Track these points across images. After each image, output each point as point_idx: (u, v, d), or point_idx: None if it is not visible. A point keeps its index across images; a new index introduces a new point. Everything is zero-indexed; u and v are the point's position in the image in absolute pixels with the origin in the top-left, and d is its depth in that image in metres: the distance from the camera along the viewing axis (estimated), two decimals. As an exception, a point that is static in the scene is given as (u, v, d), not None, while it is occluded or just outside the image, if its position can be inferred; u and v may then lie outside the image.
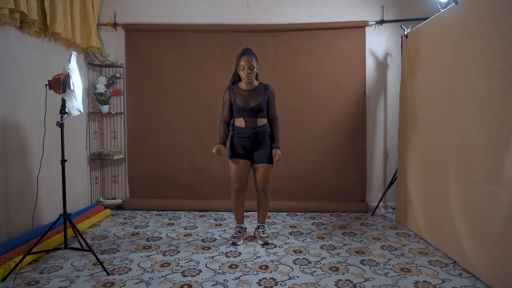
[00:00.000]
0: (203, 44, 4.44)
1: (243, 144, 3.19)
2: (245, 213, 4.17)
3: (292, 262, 2.84)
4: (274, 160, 3.18)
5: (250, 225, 3.81)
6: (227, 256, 2.97)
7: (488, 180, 2.43)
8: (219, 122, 3.30)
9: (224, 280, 2.54)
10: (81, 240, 2.78)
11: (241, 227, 3.35)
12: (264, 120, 3.21)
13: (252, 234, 3.47)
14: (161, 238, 3.41)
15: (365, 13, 4.39)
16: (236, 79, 3.26)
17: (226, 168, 4.43)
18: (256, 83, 3.22)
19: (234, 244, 3.24)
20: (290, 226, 3.78)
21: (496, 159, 2.35)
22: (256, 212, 4.20)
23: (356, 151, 4.42)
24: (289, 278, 2.56)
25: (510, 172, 2.23)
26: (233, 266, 2.77)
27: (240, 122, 3.20)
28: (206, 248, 3.14)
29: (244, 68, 3.09)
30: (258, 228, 3.35)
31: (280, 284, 2.48)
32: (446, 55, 3.00)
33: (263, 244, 3.22)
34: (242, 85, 3.20)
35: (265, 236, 3.28)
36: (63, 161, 2.74)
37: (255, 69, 3.12)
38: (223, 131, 3.24)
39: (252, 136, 3.17)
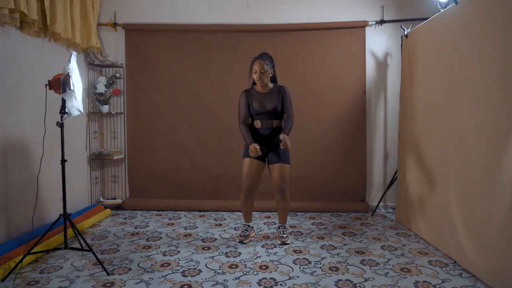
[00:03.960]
0: (203, 44, 4.44)
1: (260, 144, 3.20)
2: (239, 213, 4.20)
3: (292, 262, 2.84)
4: (281, 143, 3.08)
5: (255, 225, 3.81)
6: (227, 256, 2.97)
7: (487, 180, 2.43)
8: (238, 126, 3.25)
9: (224, 280, 2.54)
10: (81, 240, 2.78)
11: (249, 225, 3.37)
12: (280, 122, 3.24)
13: (258, 234, 3.49)
14: (161, 238, 3.41)
15: (365, 13, 4.39)
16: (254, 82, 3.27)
17: (226, 168, 4.47)
18: (271, 85, 3.24)
19: (241, 242, 3.27)
20: (290, 226, 3.77)
21: (495, 159, 2.35)
22: (261, 213, 4.25)
23: (356, 151, 4.42)
24: (289, 278, 2.56)
25: (509, 172, 2.23)
26: (233, 266, 2.77)
27: (256, 123, 3.24)
28: (206, 248, 3.14)
29: (256, 72, 3.12)
30: (279, 228, 3.36)
31: (280, 284, 2.48)
32: (446, 55, 3.00)
33: (280, 244, 3.23)
34: (258, 88, 3.23)
35: (284, 236, 3.28)
36: (63, 161, 2.74)
37: (267, 72, 3.13)
38: (245, 131, 3.20)
39: (267, 136, 3.20)
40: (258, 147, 3.07)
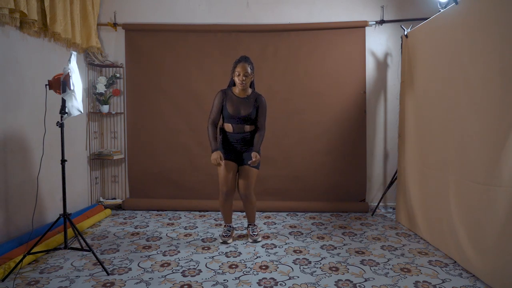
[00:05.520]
0: (203, 44, 4.44)
1: (232, 146, 3.22)
2: (240, 213, 4.20)
3: (292, 262, 2.84)
4: (250, 161, 3.08)
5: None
6: (227, 256, 2.97)
7: (487, 180, 2.43)
8: (207, 125, 3.22)
9: (224, 280, 2.54)
10: (81, 240, 2.78)
11: (230, 226, 3.39)
12: (253, 126, 3.23)
13: (243, 233, 3.49)
14: (161, 238, 3.41)
15: (365, 13, 4.39)
16: (232, 83, 3.27)
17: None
18: (249, 91, 3.23)
19: (224, 242, 3.27)
20: (290, 226, 3.78)
21: (495, 159, 2.35)
22: (261, 213, 4.24)
23: (356, 151, 4.42)
24: (289, 278, 2.57)
25: (509, 172, 2.23)
26: (233, 266, 2.77)
27: (228, 127, 3.22)
28: (206, 248, 3.14)
29: (239, 74, 3.11)
30: (248, 226, 3.42)
31: (280, 284, 2.48)
32: (446, 55, 3.00)
33: (252, 242, 3.28)
34: (236, 91, 3.22)
35: (255, 234, 3.32)
36: (63, 161, 2.74)
37: (250, 76, 3.14)
38: (212, 134, 3.16)
39: (240, 139, 3.20)
40: (221, 158, 3.06)
